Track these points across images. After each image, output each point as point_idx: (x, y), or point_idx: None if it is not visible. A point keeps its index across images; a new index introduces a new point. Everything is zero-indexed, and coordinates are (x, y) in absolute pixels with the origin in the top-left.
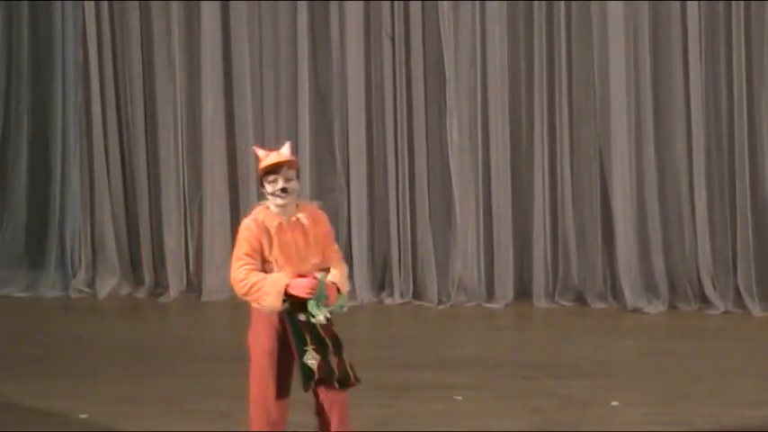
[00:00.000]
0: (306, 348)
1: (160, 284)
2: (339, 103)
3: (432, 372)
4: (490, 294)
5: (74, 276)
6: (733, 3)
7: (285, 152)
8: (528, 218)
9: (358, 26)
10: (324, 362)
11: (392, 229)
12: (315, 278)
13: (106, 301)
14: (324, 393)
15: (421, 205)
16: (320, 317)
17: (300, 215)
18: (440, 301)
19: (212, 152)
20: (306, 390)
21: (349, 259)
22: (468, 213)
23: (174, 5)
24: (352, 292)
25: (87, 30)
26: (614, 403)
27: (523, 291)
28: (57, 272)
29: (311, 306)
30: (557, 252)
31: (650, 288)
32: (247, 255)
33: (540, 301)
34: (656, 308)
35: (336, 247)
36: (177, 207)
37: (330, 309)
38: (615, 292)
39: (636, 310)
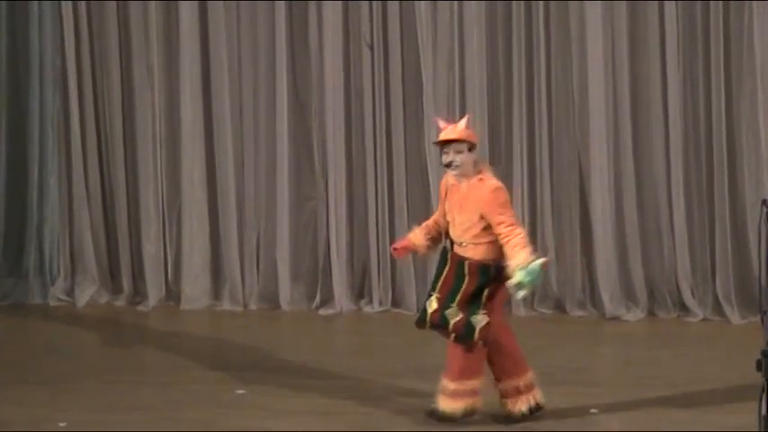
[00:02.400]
0: (432, 293)
1: (139, 293)
2: (318, 110)
3: (411, 379)
4: None
5: (52, 284)
6: (711, 3)
7: (459, 127)
8: None
9: (336, 31)
10: (439, 312)
11: (371, 238)
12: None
13: (85, 309)
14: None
15: (400, 214)
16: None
17: (465, 183)
18: (418, 310)
19: (191, 160)
20: (416, 326)
21: (327, 267)
22: None
23: (153, 10)
24: (331, 300)
25: (65, 36)
26: (593, 411)
27: None
28: (35, 280)
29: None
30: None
31: (629, 296)
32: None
33: (519, 310)
34: (634, 315)
35: (503, 218)
36: (156, 215)
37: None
38: (594, 300)
39: (615, 318)
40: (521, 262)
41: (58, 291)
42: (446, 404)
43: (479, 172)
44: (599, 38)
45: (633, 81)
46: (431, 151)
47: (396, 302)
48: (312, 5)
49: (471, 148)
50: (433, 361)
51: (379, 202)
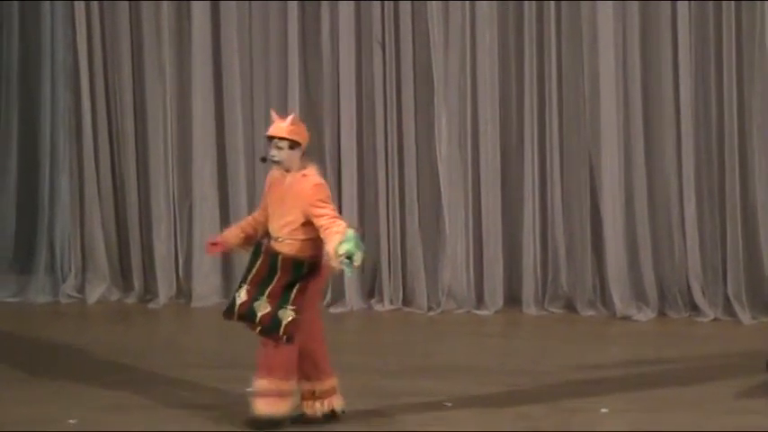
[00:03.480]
0: (242, 285)
1: (149, 290)
2: (330, 109)
3: (421, 378)
4: (479, 301)
5: (63, 282)
6: (723, 3)
7: (281, 125)
8: (517, 225)
9: (349, 31)
10: (248, 304)
11: (382, 236)
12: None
13: (96, 307)
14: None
15: (410, 212)
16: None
17: (287, 179)
18: (429, 308)
19: (202, 158)
20: (223, 316)
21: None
22: (457, 220)
23: (165, 9)
24: (341, 298)
25: (77, 34)
26: (603, 410)
27: (513, 298)
28: (46, 277)
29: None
30: (546, 259)
31: (640, 295)
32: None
33: (530, 309)
34: (645, 315)
35: (324, 212)
36: (167, 213)
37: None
38: (604, 299)
39: (625, 318)
40: (337, 240)
41: (68, 288)
42: (263, 407)
43: (304, 168)
44: (610, 37)
45: (645, 80)
46: (441, 150)
47: (406, 301)
48: (324, 5)
49: (293, 146)
50: (444, 360)
51: (390, 200)
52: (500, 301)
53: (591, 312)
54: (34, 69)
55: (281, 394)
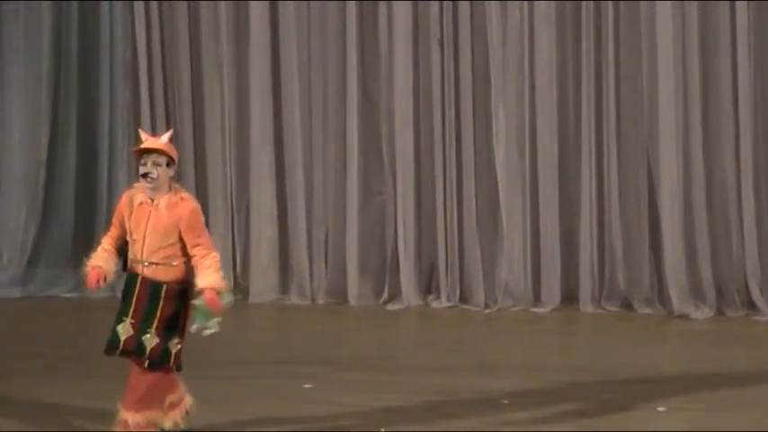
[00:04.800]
0: (124, 319)
1: None
2: (387, 107)
3: (477, 376)
4: (536, 299)
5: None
6: None
7: (162, 139)
8: (575, 223)
9: (406, 30)
10: (134, 338)
11: (439, 233)
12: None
13: None
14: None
15: (468, 209)
16: (213, 328)
17: (162, 201)
18: (486, 306)
19: (260, 154)
20: (105, 353)
21: (395, 263)
22: (514, 218)
23: (223, 6)
24: (398, 295)
25: (136, 30)
26: (660, 409)
27: (570, 296)
28: None
29: (204, 324)
30: (603, 257)
31: (697, 294)
32: (112, 223)
33: (587, 306)
34: (702, 314)
35: (201, 240)
36: (224, 209)
37: (216, 320)
38: (662, 297)
39: (682, 316)
40: (209, 285)
41: None
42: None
43: (175, 190)
44: (669, 36)
45: (703, 79)
46: (499, 148)
47: (463, 298)
48: (382, 5)
49: (170, 163)
50: (500, 357)
51: (447, 197)
52: (557, 299)
53: (648, 311)
54: (93, 65)
55: (150, 425)
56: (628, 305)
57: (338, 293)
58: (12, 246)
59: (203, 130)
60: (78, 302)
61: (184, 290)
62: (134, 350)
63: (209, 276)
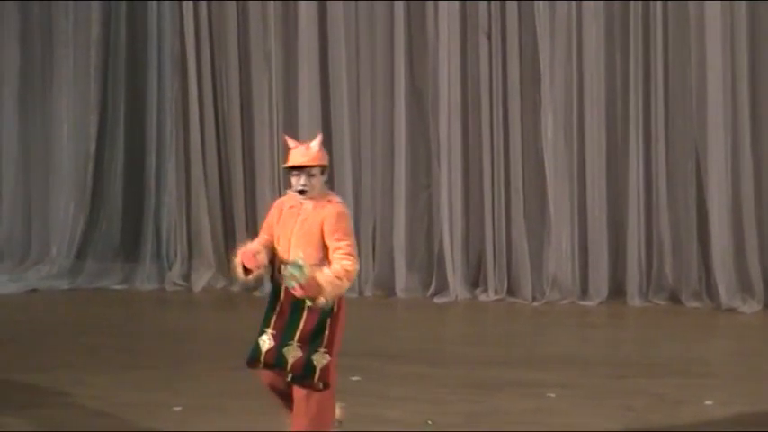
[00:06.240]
0: (266, 330)
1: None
2: (435, 100)
3: (525, 369)
4: (584, 292)
5: (169, 269)
6: None
7: (312, 151)
8: (622, 216)
9: (454, 24)
10: (275, 350)
11: (487, 226)
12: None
13: (201, 295)
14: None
15: (516, 202)
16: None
17: (309, 203)
18: (534, 299)
19: None
20: (248, 365)
21: (443, 255)
22: (562, 211)
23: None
24: (446, 288)
25: (185, 24)
26: (708, 403)
27: (617, 289)
28: (152, 265)
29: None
30: (651, 250)
31: (745, 287)
32: (262, 228)
33: (634, 300)
34: (750, 307)
35: (341, 244)
36: (272, 200)
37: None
38: (710, 291)
39: (730, 310)
40: (322, 280)
41: (174, 275)
42: None
43: (324, 194)
44: (718, 32)
45: (752, 73)
46: (547, 140)
47: (511, 291)
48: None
49: (324, 170)
50: (548, 350)
51: (495, 190)
52: (604, 292)
53: (695, 304)
54: (142, 59)
55: None
56: (675, 299)
57: (386, 286)
58: (60, 238)
59: (251, 123)
60: (126, 294)
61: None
62: (275, 363)
63: (327, 275)
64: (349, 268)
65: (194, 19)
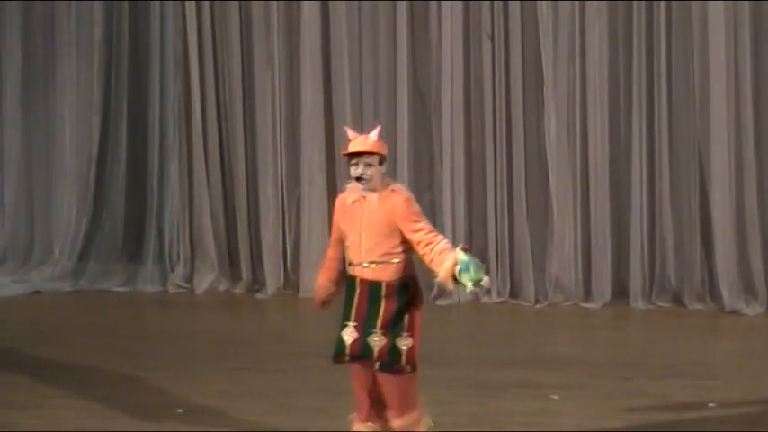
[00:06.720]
0: (347, 324)
1: (257, 280)
2: (437, 101)
3: (528, 370)
4: (587, 294)
5: (172, 271)
6: None
7: (370, 139)
8: (625, 217)
9: (457, 24)
10: (359, 341)
11: (489, 228)
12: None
13: (204, 297)
14: (368, 373)
15: (518, 204)
16: (468, 285)
17: (373, 196)
18: (537, 300)
19: (311, 148)
20: (334, 361)
21: None
22: (565, 212)
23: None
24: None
25: (187, 23)
26: (711, 404)
27: (620, 291)
28: (155, 266)
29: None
30: (654, 252)
31: (748, 289)
32: (332, 230)
33: (637, 302)
34: (753, 309)
35: (420, 225)
36: (275, 203)
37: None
38: (713, 293)
39: (734, 312)
40: (450, 266)
41: (177, 277)
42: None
43: (388, 185)
44: (721, 32)
45: (755, 74)
46: (550, 141)
47: (514, 293)
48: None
49: (382, 161)
50: (551, 352)
51: (497, 192)
52: (607, 294)
53: (699, 306)
54: (144, 59)
55: (414, 426)
56: (678, 300)
57: None
58: (63, 239)
59: (254, 123)
60: (128, 296)
61: (405, 285)
62: (361, 353)
63: (448, 258)
64: (445, 243)
65: (197, 19)
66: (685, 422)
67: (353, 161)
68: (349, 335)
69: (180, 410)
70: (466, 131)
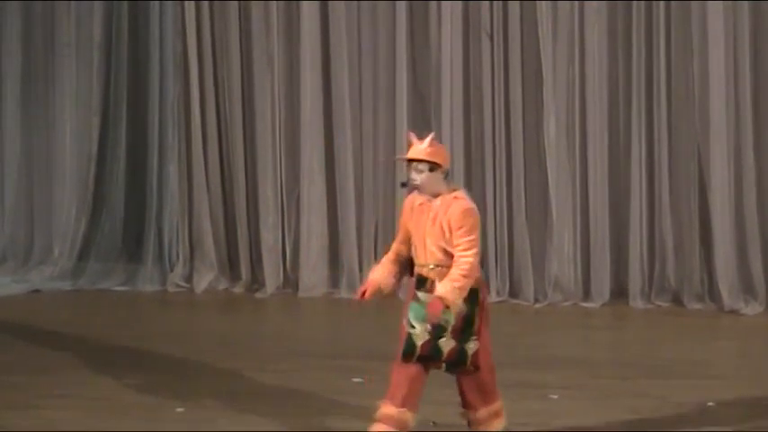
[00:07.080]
0: (416, 325)
1: (257, 280)
2: (437, 101)
3: (527, 370)
4: (586, 294)
5: (171, 271)
6: None
7: (420, 147)
8: (625, 217)
9: (456, 25)
10: (431, 343)
11: (489, 228)
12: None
13: (203, 296)
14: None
15: (518, 204)
16: (417, 329)
17: (437, 201)
18: (536, 300)
19: (310, 148)
20: (403, 360)
21: None
22: (564, 212)
23: (274, 1)
24: None
25: (187, 25)
26: (710, 404)
27: (620, 291)
28: (154, 266)
29: (412, 323)
30: (653, 252)
31: (748, 289)
32: (398, 228)
33: (637, 302)
34: (753, 309)
35: (462, 241)
36: (274, 203)
37: (425, 327)
38: (712, 293)
39: (733, 312)
40: (441, 295)
41: (176, 277)
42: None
43: (453, 191)
44: (720, 33)
45: (755, 74)
46: (550, 141)
47: (513, 293)
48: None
49: (434, 168)
50: (550, 352)
51: (496, 192)
52: (606, 294)
53: (698, 306)
54: (144, 60)
55: (498, 414)
56: (678, 300)
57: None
58: (62, 239)
59: (253, 124)
60: (128, 296)
61: (474, 290)
62: (430, 355)
63: (446, 285)
64: (464, 267)
65: (196, 20)
66: (685, 422)
67: (407, 166)
68: (420, 336)
69: (180, 410)
70: (465, 131)
